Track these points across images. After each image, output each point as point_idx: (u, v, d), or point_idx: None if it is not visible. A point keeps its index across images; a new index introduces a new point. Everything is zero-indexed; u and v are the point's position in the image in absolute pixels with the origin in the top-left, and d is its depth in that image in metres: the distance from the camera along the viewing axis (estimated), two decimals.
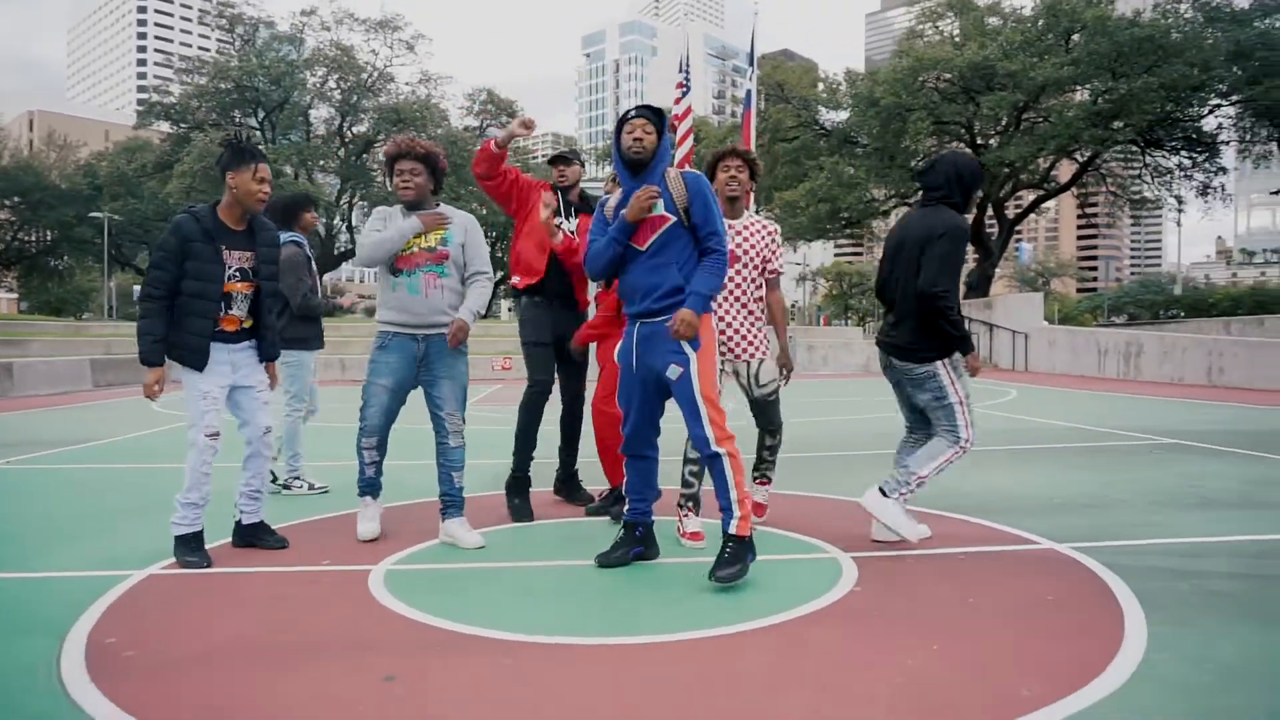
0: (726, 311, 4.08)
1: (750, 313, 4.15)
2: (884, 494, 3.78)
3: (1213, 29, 25.74)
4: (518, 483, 4.64)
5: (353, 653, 2.62)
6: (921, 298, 3.65)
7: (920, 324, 3.73)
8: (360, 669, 2.47)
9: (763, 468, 4.33)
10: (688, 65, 16.53)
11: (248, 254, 3.73)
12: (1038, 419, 9.79)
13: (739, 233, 4.13)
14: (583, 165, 4.90)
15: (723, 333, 4.05)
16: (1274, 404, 11.40)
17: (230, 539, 3.94)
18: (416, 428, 4.50)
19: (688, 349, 3.33)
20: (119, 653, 2.61)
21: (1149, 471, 5.95)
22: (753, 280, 4.16)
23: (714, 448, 3.30)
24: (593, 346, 4.62)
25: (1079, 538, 3.99)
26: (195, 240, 3.57)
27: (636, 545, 3.61)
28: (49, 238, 48.81)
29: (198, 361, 3.59)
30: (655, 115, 3.48)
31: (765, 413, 4.21)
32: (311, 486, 5.33)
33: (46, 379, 15.55)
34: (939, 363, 3.76)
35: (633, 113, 3.49)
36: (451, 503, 4.04)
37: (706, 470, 4.14)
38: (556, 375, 4.73)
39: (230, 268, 3.66)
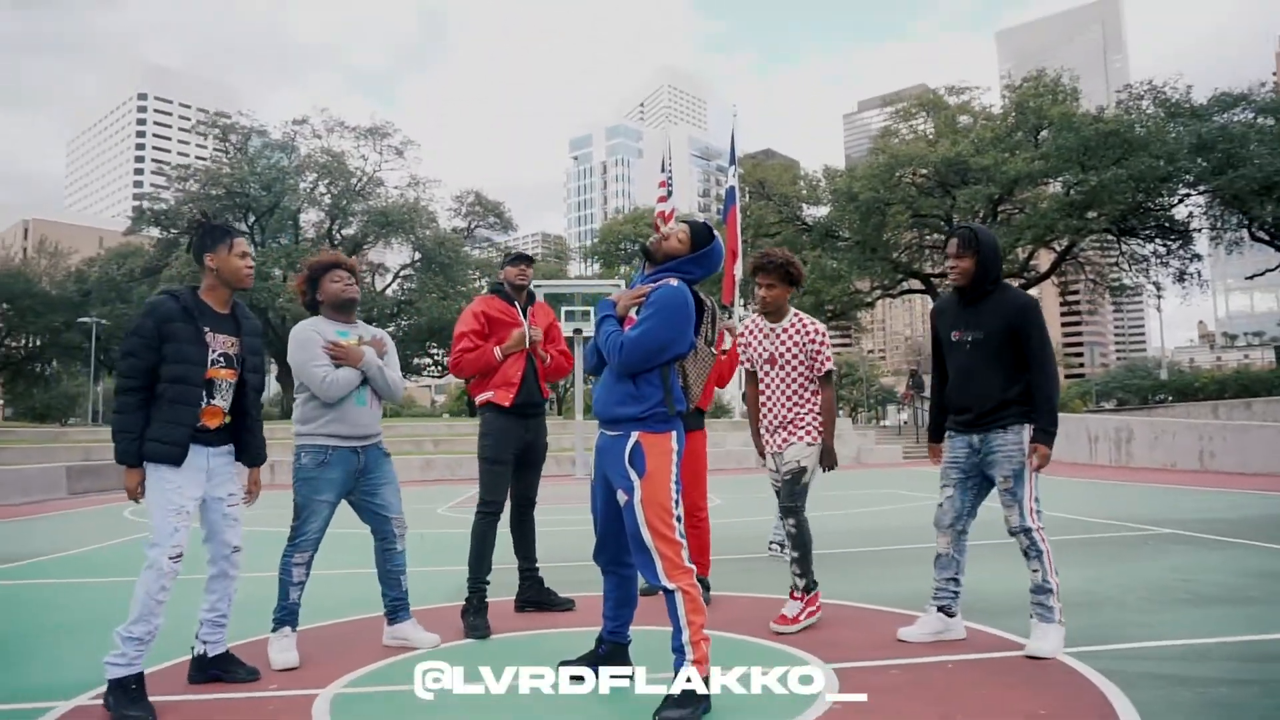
0: (768, 410, 4.41)
1: (789, 407, 4.35)
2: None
3: (1174, 123, 26.68)
4: (478, 603, 4.29)
5: None
6: None
7: None
8: None
9: (792, 575, 4.31)
10: (670, 166, 16.91)
11: (232, 339, 3.43)
12: None
13: (778, 336, 4.36)
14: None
15: (768, 424, 4.42)
16: (1266, 489, 11.22)
17: (188, 673, 3.50)
18: (348, 532, 4.29)
19: (632, 474, 2.98)
20: None
21: (1142, 565, 5.74)
22: (791, 380, 4.35)
23: (664, 583, 2.92)
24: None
25: (1071, 641, 3.77)
26: (174, 320, 3.23)
27: (596, 663, 3.39)
28: (36, 343, 48.74)
29: (175, 456, 3.19)
30: (697, 226, 3.21)
31: (780, 492, 4.36)
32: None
33: (18, 488, 15.18)
34: None
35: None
36: (400, 606, 4.02)
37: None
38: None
39: (214, 351, 3.33)
